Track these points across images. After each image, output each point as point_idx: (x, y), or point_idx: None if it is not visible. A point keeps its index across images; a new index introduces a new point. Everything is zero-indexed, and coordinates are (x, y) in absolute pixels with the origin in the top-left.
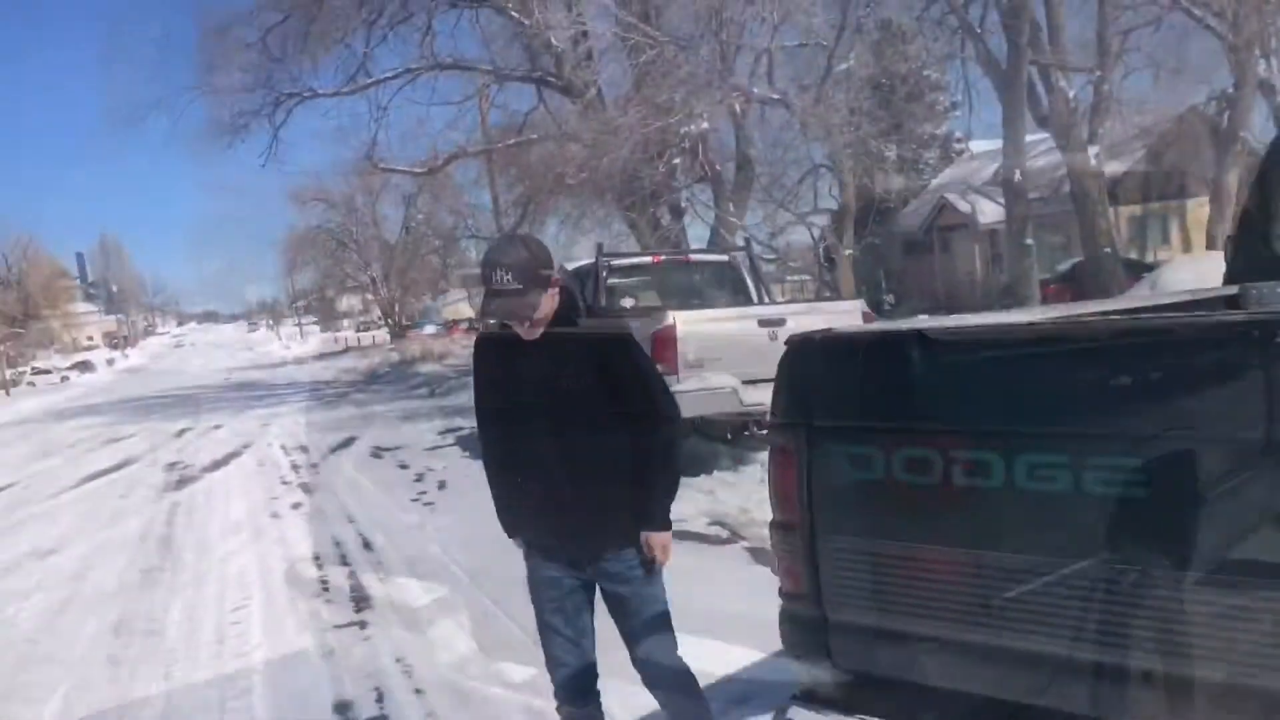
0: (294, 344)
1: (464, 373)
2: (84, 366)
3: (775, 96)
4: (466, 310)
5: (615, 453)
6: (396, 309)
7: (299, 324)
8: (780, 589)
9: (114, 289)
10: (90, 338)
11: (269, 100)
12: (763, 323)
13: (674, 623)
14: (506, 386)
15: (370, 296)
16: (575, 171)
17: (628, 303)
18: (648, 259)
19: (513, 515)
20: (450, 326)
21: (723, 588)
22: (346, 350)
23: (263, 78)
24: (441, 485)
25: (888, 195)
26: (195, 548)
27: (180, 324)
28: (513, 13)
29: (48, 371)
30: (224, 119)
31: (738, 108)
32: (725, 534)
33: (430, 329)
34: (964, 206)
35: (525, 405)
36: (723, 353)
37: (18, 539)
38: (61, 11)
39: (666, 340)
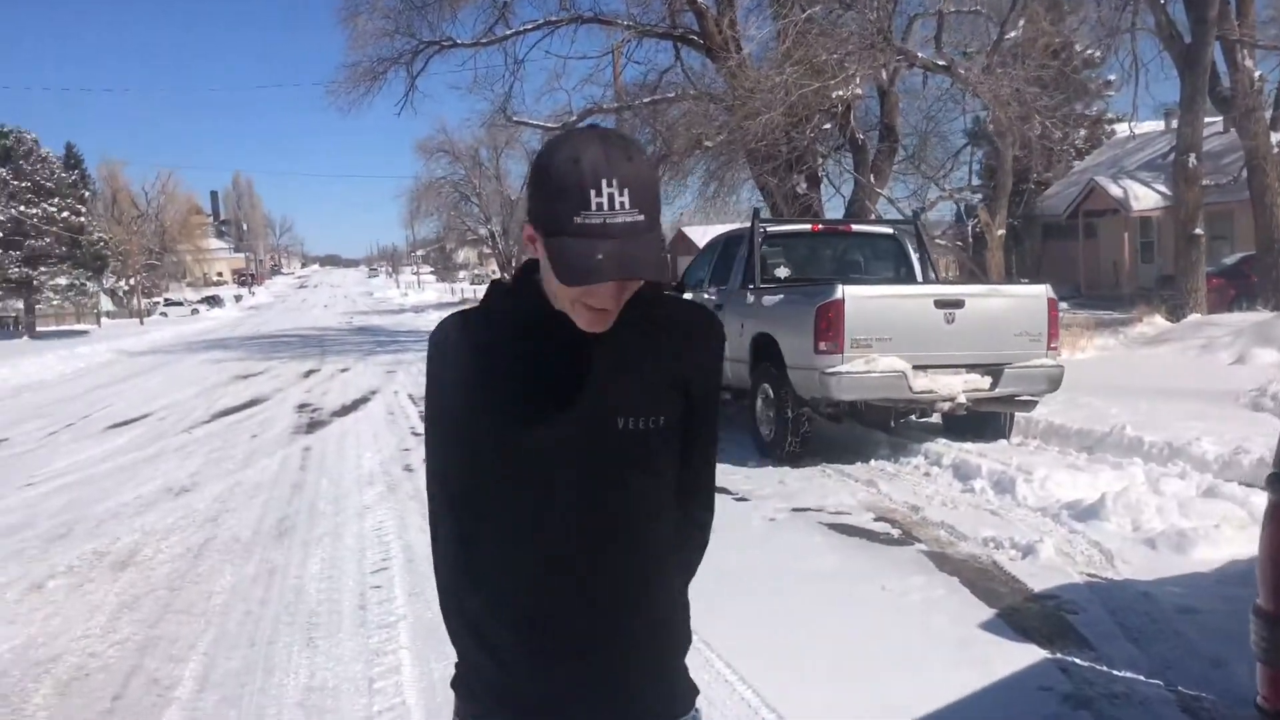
0: (411, 292)
1: None
2: (213, 301)
3: (941, 63)
4: None
5: (670, 549)
6: (513, 264)
7: (417, 273)
8: (1262, 700)
9: (244, 227)
10: (219, 274)
11: (408, 48)
12: (939, 303)
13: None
14: (523, 421)
15: (488, 250)
16: (714, 133)
17: (783, 273)
18: (806, 227)
19: (502, 663)
20: None
21: (918, 613)
22: (463, 302)
23: (404, 24)
24: None
25: (1041, 175)
26: (330, 497)
27: (304, 265)
28: None
29: (179, 303)
30: (364, 65)
31: (885, 74)
32: (896, 533)
33: None
34: (1115, 190)
35: (559, 457)
36: (893, 333)
37: (154, 473)
38: None
39: (833, 315)
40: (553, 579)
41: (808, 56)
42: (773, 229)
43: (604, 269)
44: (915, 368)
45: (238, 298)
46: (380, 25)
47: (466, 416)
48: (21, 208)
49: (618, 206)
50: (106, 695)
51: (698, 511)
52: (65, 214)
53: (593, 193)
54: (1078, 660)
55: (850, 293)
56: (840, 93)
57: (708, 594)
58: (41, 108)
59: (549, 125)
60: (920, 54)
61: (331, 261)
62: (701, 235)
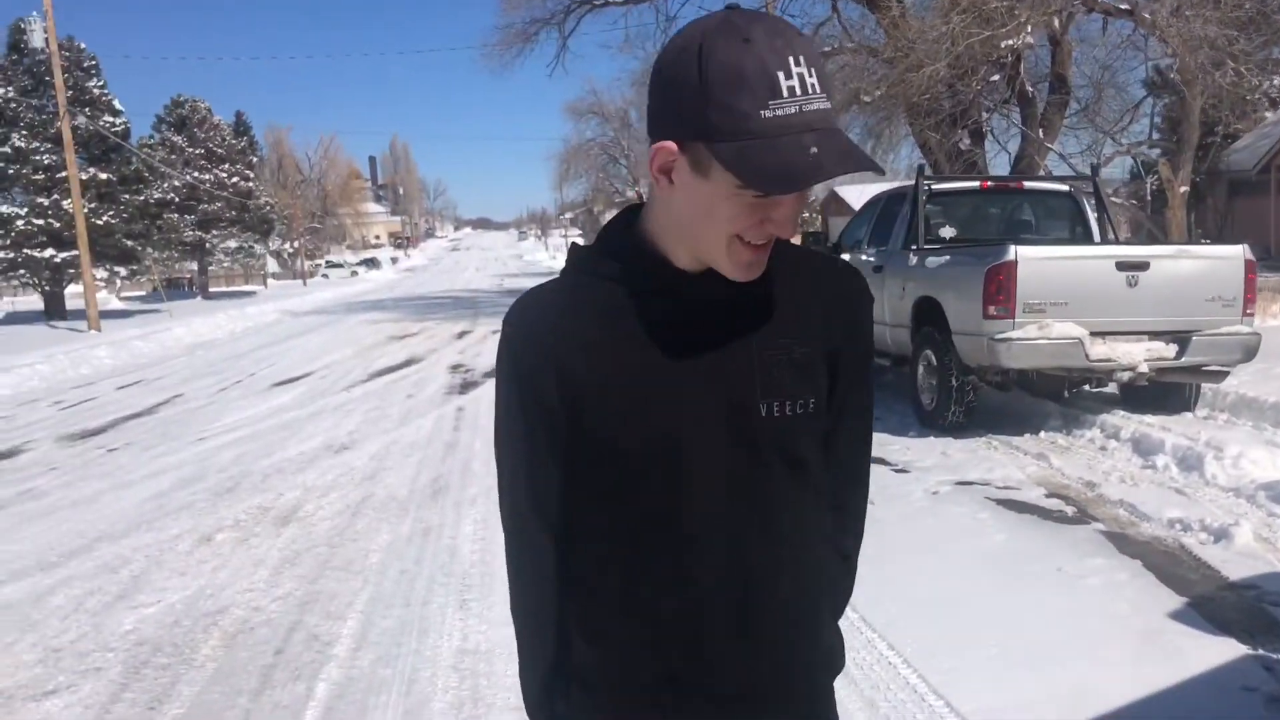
0: (559, 255)
1: None
2: (371, 263)
3: (1124, 6)
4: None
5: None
6: None
7: (565, 235)
8: None
9: (400, 191)
10: (377, 236)
11: (560, 7)
12: (1121, 265)
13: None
14: (646, 413)
15: None
16: (871, 88)
17: (948, 233)
18: (974, 184)
19: (637, 678)
20: None
21: (1097, 599)
22: None
23: None
24: None
25: (1230, 127)
26: (482, 458)
27: (456, 228)
28: None
29: (339, 265)
30: (517, 26)
31: (1057, 21)
32: (1071, 511)
33: None
34: None
35: (696, 445)
36: (1069, 297)
37: (315, 429)
38: None
39: (1004, 277)
40: (698, 623)
41: (976, 3)
42: (937, 186)
43: (824, 164)
44: (1093, 334)
45: (394, 260)
46: None
47: (566, 419)
48: (196, 174)
49: (810, 90)
50: (269, 649)
51: (843, 538)
52: (235, 179)
53: (781, 75)
54: None
55: (1023, 254)
56: (1010, 42)
57: (868, 570)
58: (213, 77)
59: None
60: None
61: (483, 224)
62: (857, 195)
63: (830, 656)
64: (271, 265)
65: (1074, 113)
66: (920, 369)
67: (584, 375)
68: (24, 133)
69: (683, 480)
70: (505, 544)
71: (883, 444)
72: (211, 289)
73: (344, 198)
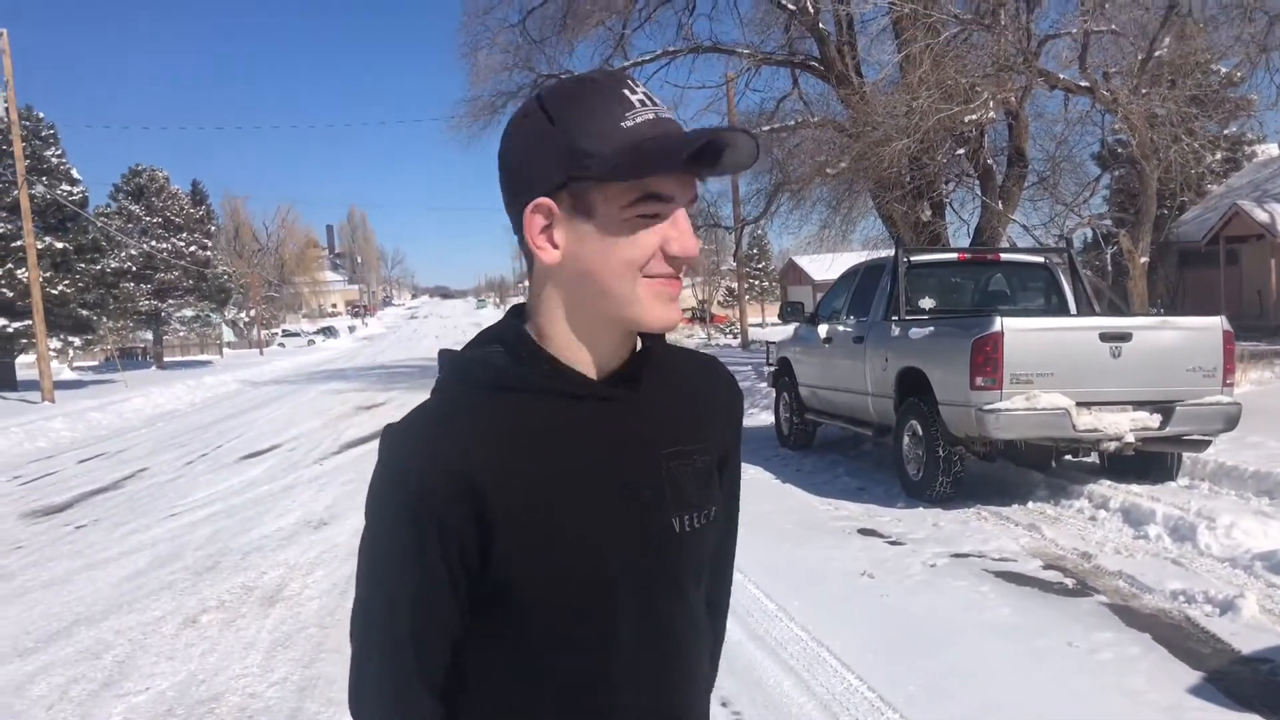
0: None
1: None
2: (328, 332)
3: (1084, 84)
4: (692, 299)
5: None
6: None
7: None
8: None
9: (358, 260)
10: (334, 305)
11: (526, 82)
12: (1105, 336)
13: None
14: (565, 541)
15: None
16: (835, 160)
17: (927, 304)
18: (952, 256)
19: None
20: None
21: (1112, 674)
22: None
23: (522, 59)
24: None
25: (1179, 200)
26: None
27: (414, 296)
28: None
29: (296, 334)
30: (484, 98)
31: (1013, 97)
32: (1071, 583)
33: None
34: (1261, 215)
35: (612, 590)
36: (1055, 367)
37: (291, 504)
38: None
39: (990, 348)
40: None
41: (940, 80)
42: (916, 258)
43: (696, 135)
44: (1079, 404)
45: (351, 329)
46: (500, 60)
47: (477, 562)
48: (153, 242)
49: (659, 105)
50: None
51: (721, 622)
52: (193, 248)
53: (626, 92)
54: None
55: (1009, 325)
56: (972, 117)
57: (881, 645)
58: (170, 146)
59: None
60: (1062, 75)
61: (440, 293)
62: (818, 266)
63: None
64: (228, 334)
65: (1031, 184)
66: (905, 439)
67: (499, 504)
68: None
69: (615, 631)
70: None
71: (873, 514)
72: (166, 358)
73: (301, 266)
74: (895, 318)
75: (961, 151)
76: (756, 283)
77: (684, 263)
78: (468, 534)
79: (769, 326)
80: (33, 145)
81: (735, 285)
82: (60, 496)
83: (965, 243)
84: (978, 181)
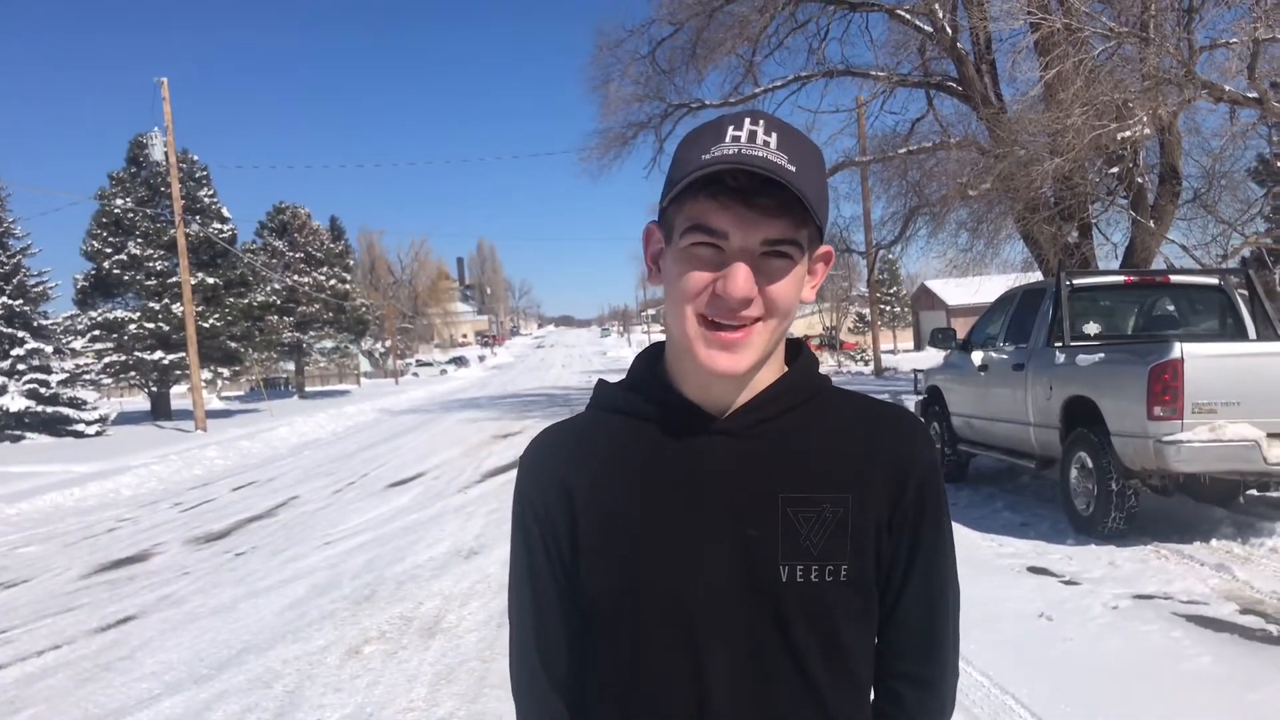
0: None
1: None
2: (460, 361)
3: (1253, 95)
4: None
5: None
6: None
7: (647, 331)
8: None
9: (487, 291)
10: (464, 335)
11: (657, 112)
12: None
13: None
14: (646, 568)
15: None
16: (977, 181)
17: (1092, 329)
18: (1119, 279)
19: None
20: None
21: None
22: None
23: (653, 89)
24: None
25: None
26: None
27: (540, 325)
28: (907, 16)
29: (429, 364)
30: (615, 130)
31: (1169, 113)
32: (1275, 630)
33: None
34: None
35: (699, 624)
36: (1240, 396)
37: (440, 534)
38: (458, 20)
39: (1169, 376)
40: None
41: (1093, 97)
42: (1080, 280)
43: (711, 161)
44: (1270, 435)
45: (481, 358)
46: (630, 91)
47: (575, 568)
48: (295, 276)
49: (759, 141)
50: None
51: (926, 695)
52: (332, 281)
53: (731, 128)
54: None
55: (1190, 351)
56: (1126, 134)
57: (1073, 695)
58: (308, 183)
59: None
60: (1227, 86)
61: (565, 322)
62: (944, 288)
63: None
64: (364, 364)
65: (1185, 202)
66: (1073, 472)
67: (591, 515)
68: (139, 240)
69: (700, 666)
70: (515, 706)
71: (1042, 552)
72: (307, 388)
73: (433, 298)
74: (1059, 344)
75: (1114, 170)
76: (887, 308)
77: (731, 304)
78: (562, 538)
79: (900, 353)
80: (187, 186)
81: (864, 311)
82: (219, 524)
83: (1115, 265)
84: (1128, 201)
